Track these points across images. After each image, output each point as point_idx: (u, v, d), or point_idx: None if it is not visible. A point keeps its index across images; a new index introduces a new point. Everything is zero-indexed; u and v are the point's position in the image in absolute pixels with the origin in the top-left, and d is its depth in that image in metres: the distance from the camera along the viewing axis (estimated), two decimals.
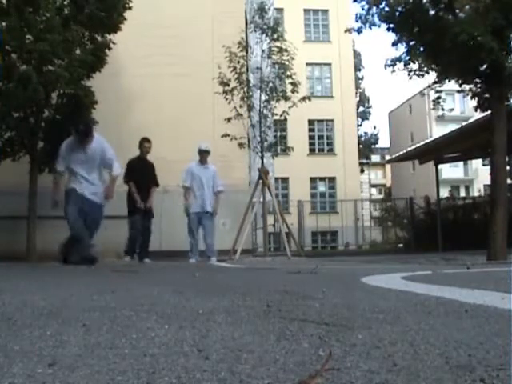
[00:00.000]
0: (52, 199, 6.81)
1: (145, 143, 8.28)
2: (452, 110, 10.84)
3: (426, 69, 8.07)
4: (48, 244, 9.76)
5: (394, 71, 7.82)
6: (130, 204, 8.05)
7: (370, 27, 7.43)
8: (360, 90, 37.42)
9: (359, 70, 37.60)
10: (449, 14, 7.07)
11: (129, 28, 9.64)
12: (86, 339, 1.26)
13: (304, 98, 10.73)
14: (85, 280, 3.84)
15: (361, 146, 34.56)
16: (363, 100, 38.46)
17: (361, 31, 7.66)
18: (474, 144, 12.78)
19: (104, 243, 10.02)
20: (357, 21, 7.73)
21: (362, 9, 7.56)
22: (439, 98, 8.72)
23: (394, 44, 7.57)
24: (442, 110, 9.13)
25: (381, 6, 7.32)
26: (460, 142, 13.49)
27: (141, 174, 8.03)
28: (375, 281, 3.05)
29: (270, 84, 10.80)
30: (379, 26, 7.45)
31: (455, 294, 2.14)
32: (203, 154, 8.52)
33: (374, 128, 41.39)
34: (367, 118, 40.18)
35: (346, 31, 8.24)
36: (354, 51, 32.80)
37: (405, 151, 17.26)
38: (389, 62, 7.75)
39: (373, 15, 7.37)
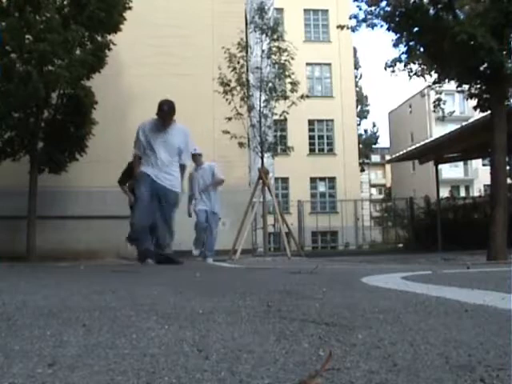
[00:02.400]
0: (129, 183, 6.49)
1: None
2: (453, 112, 10.85)
3: (425, 68, 8.07)
4: (48, 244, 9.79)
5: (393, 71, 7.82)
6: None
7: (372, 27, 7.42)
8: (357, 89, 37.40)
9: (356, 68, 37.60)
10: (449, 14, 7.07)
11: (129, 28, 9.64)
12: (86, 339, 1.26)
13: (302, 96, 10.74)
14: (85, 280, 3.84)
15: (361, 145, 34.57)
16: (361, 99, 38.45)
17: (356, 29, 7.67)
18: (473, 144, 12.79)
19: (104, 243, 10.06)
20: (351, 19, 7.72)
21: (360, 9, 7.56)
22: (439, 99, 8.72)
23: (396, 45, 7.57)
24: (442, 112, 9.13)
25: (382, 5, 7.32)
26: (460, 142, 13.50)
27: None
28: (375, 281, 3.05)
29: (270, 84, 10.81)
30: (381, 26, 7.46)
31: (455, 294, 2.14)
32: (193, 158, 8.60)
33: (374, 126, 41.41)
34: (365, 117, 40.22)
35: (338, 27, 8.12)
36: (354, 50, 32.81)
37: (405, 151, 17.28)
38: (389, 63, 7.76)
39: (373, 16, 7.36)
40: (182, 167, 6.37)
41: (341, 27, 7.97)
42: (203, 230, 8.60)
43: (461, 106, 39.22)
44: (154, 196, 6.08)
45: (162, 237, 6.20)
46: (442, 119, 10.81)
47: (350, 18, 7.79)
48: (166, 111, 6.16)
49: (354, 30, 7.74)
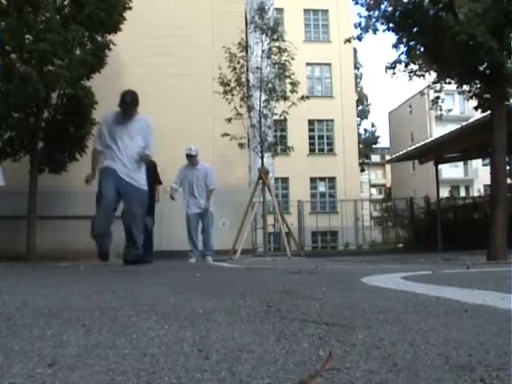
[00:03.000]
0: (87, 175, 6.00)
1: None
2: (450, 110, 10.87)
3: (425, 70, 8.08)
4: (48, 244, 9.79)
5: (394, 73, 7.83)
6: None
7: (374, 32, 7.42)
8: (358, 89, 37.37)
9: (357, 68, 37.56)
10: (449, 14, 7.07)
11: (129, 28, 9.64)
12: (86, 339, 1.26)
13: (302, 97, 10.74)
14: (85, 280, 3.84)
15: (361, 145, 34.55)
16: (361, 99, 38.44)
17: (362, 38, 7.67)
18: (474, 144, 12.79)
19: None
20: (356, 28, 7.74)
21: (360, 16, 7.56)
22: (438, 98, 8.73)
23: (395, 46, 7.57)
24: (440, 110, 9.15)
25: (382, 7, 7.32)
26: (460, 142, 13.50)
27: None
28: (375, 281, 3.05)
29: (270, 84, 10.81)
30: (384, 31, 7.47)
31: (455, 294, 2.14)
32: (188, 158, 8.59)
33: (373, 126, 41.35)
34: (366, 117, 40.23)
35: (345, 42, 8.25)
36: (354, 50, 32.78)
37: (405, 151, 17.27)
38: (389, 65, 7.76)
39: (375, 20, 7.36)
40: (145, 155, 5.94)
41: (348, 40, 8.09)
42: (195, 235, 8.61)
43: (461, 106, 39.23)
44: (117, 193, 5.71)
45: (137, 237, 5.87)
46: (439, 118, 10.85)
47: (356, 27, 7.82)
48: (129, 102, 5.81)
49: (359, 38, 7.75)
